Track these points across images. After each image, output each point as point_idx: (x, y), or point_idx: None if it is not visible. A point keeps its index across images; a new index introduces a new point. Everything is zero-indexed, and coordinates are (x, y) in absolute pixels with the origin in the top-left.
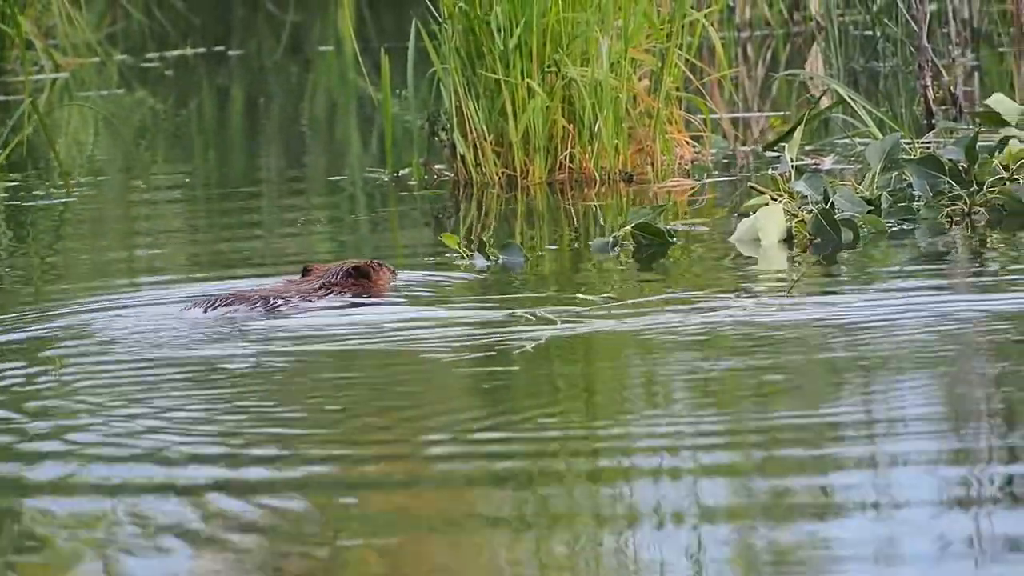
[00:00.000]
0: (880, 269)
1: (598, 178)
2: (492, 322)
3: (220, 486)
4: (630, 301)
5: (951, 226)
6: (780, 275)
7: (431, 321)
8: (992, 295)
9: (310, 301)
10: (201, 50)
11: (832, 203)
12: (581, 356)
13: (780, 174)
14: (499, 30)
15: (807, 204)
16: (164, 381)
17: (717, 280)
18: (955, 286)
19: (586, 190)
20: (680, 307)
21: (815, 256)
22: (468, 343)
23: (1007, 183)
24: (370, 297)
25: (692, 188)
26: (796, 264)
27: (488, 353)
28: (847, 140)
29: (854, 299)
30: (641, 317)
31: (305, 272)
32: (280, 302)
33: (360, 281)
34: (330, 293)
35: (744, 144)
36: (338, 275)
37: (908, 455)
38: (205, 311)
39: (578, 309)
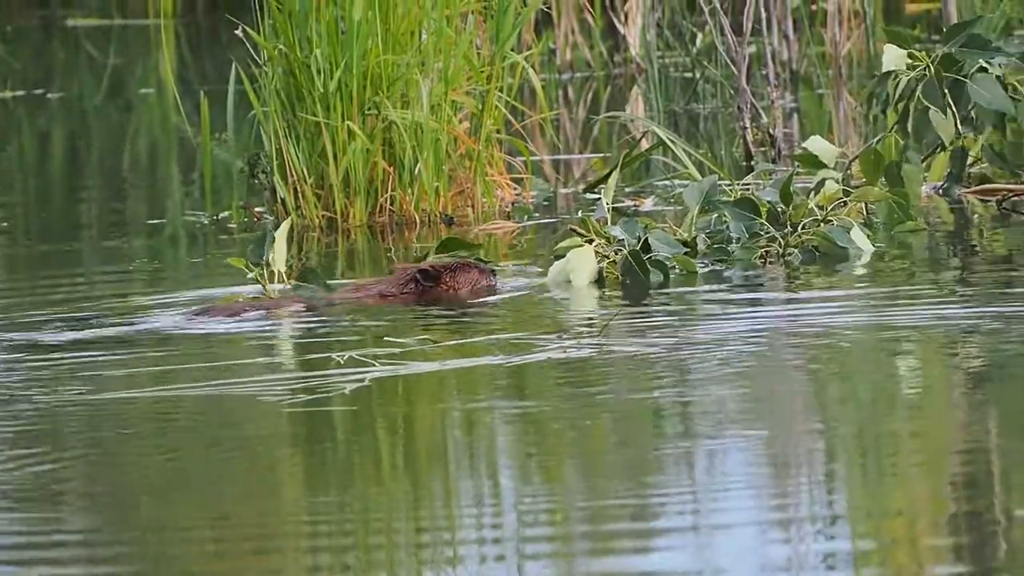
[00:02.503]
0: (688, 308)
1: (419, 220)
2: (311, 364)
3: None
4: (448, 343)
5: (764, 266)
6: (589, 316)
7: (249, 363)
8: (801, 326)
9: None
10: (21, 93)
11: (642, 245)
12: (401, 403)
13: (597, 219)
14: (319, 72)
15: (621, 246)
16: None
17: (530, 321)
18: (766, 322)
19: (407, 233)
20: (495, 348)
21: (625, 297)
22: (290, 386)
23: (821, 224)
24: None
25: (513, 230)
26: (606, 305)
27: (309, 396)
28: (667, 182)
29: (664, 339)
30: (459, 359)
31: (390, 274)
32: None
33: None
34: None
35: (565, 186)
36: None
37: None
38: (176, 318)
39: (396, 351)
